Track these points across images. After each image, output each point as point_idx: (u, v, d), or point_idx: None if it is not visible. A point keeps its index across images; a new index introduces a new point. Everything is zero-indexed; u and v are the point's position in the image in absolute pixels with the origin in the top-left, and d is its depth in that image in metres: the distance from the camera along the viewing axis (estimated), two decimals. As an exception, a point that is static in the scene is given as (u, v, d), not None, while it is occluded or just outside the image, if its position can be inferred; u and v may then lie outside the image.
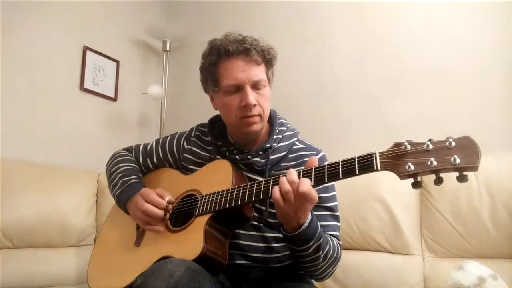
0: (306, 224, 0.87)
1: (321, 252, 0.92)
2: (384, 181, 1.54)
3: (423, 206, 1.51)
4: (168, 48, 2.47)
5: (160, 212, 1.00)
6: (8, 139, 1.79)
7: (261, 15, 2.33)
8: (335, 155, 0.93)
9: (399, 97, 1.86)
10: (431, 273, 1.42)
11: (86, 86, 2.20)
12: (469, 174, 1.51)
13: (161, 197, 1.02)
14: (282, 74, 2.14)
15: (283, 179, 0.83)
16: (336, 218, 1.07)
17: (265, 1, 2.32)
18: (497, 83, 1.65)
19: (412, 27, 1.87)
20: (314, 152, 1.11)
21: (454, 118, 1.71)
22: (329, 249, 0.95)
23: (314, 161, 0.87)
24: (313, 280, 1.13)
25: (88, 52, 2.22)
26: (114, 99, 2.38)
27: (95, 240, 1.75)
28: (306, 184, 0.80)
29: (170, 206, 1.02)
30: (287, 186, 0.82)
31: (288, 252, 1.05)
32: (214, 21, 2.50)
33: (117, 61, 2.40)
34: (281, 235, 1.04)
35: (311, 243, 0.89)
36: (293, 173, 0.83)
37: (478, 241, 1.37)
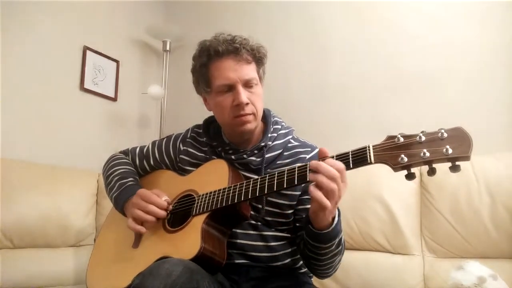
0: (337, 218, 0.86)
1: (341, 246, 0.91)
2: (384, 181, 1.54)
3: (423, 206, 1.51)
4: (168, 48, 2.47)
5: (163, 213, 1.01)
6: (8, 139, 1.80)
7: (261, 15, 2.33)
8: (334, 155, 0.93)
9: (399, 98, 1.86)
10: (431, 273, 1.42)
11: (86, 86, 2.20)
12: (469, 173, 1.51)
13: (158, 197, 1.03)
14: (281, 74, 2.15)
15: (324, 181, 0.77)
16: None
17: (265, 2, 2.32)
18: (497, 84, 1.65)
19: (411, 28, 1.87)
20: (310, 149, 1.10)
21: (453, 119, 1.68)
22: (344, 242, 0.95)
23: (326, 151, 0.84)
24: (312, 279, 1.13)
25: (88, 52, 2.22)
26: (114, 99, 2.38)
27: (95, 240, 1.75)
28: (340, 163, 0.78)
29: (170, 207, 1.03)
30: (333, 185, 0.77)
31: (287, 251, 1.05)
32: (214, 21, 2.50)
33: (117, 61, 2.41)
34: (279, 234, 1.05)
35: (337, 238, 0.88)
36: (332, 172, 0.77)
37: (478, 241, 1.37)
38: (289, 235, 1.07)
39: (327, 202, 0.78)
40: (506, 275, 1.07)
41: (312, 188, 0.79)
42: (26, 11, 1.95)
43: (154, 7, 2.71)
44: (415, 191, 1.52)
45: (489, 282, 0.94)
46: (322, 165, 0.78)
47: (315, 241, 0.89)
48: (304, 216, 1.02)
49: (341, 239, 0.90)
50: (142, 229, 1.01)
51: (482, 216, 1.36)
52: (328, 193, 0.78)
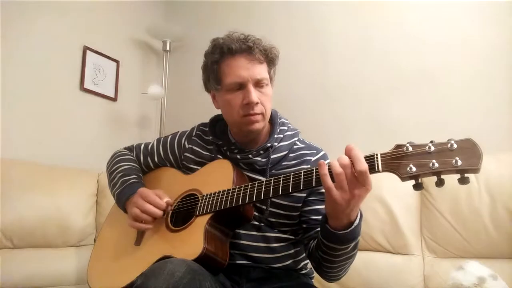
0: (357, 222, 0.83)
1: (356, 249, 0.90)
2: (385, 181, 1.54)
3: (423, 206, 1.51)
4: (168, 48, 2.47)
5: (160, 212, 1.01)
6: (8, 139, 1.79)
7: (261, 15, 2.33)
8: (335, 156, 0.93)
9: (399, 97, 1.86)
10: (431, 273, 1.42)
11: (86, 86, 2.20)
12: (470, 175, 1.50)
13: (160, 198, 1.03)
14: (283, 74, 2.14)
15: (334, 163, 0.77)
16: None
17: (265, 2, 2.33)
18: (497, 84, 1.65)
19: (412, 28, 1.87)
20: (315, 151, 1.10)
21: (454, 119, 1.71)
22: (358, 245, 0.94)
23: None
24: (313, 280, 1.13)
25: (88, 52, 2.22)
26: (114, 99, 2.38)
27: (95, 240, 1.75)
28: (364, 164, 0.75)
29: (170, 208, 1.03)
30: (338, 169, 0.76)
31: (288, 252, 1.05)
32: (214, 21, 2.51)
33: (117, 61, 2.40)
34: (281, 235, 1.05)
35: (355, 241, 0.86)
36: (344, 158, 0.78)
37: (478, 241, 1.37)
38: (292, 236, 1.07)
39: (333, 190, 0.77)
40: (506, 275, 1.07)
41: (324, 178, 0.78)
42: (26, 11, 1.94)
43: (154, 7, 2.71)
44: (415, 191, 1.52)
45: (489, 282, 0.94)
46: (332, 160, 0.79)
47: (330, 241, 0.86)
48: (312, 217, 1.02)
49: (357, 242, 0.89)
50: (142, 226, 1.01)
51: (482, 216, 1.36)
52: (336, 180, 0.77)
